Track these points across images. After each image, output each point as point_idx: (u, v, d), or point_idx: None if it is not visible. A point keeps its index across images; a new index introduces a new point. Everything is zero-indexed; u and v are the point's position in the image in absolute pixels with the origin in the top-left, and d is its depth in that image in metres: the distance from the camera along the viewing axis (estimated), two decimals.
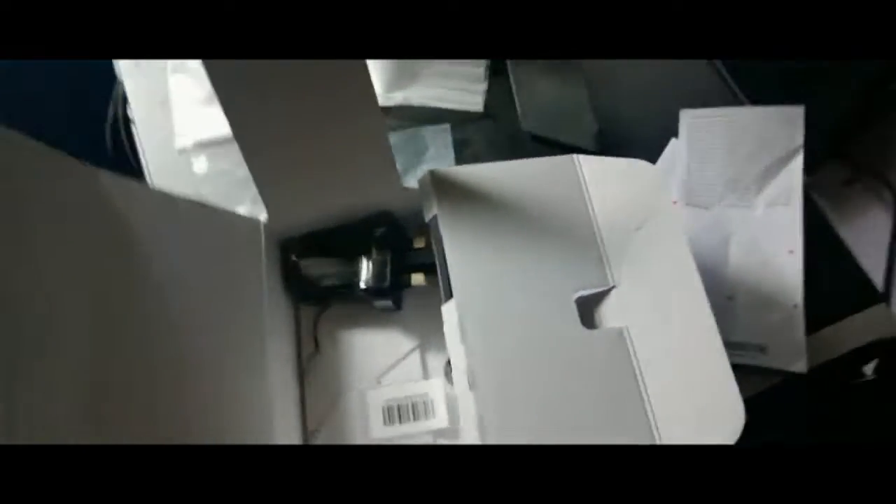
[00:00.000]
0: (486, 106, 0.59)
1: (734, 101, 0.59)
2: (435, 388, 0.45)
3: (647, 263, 0.41)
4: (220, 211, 0.44)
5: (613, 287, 0.41)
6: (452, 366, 0.40)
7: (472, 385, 0.38)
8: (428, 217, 0.44)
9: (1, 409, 0.26)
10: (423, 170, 0.56)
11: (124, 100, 0.66)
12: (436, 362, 0.47)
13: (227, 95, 0.38)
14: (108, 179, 0.38)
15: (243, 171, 0.54)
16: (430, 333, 0.47)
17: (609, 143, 0.57)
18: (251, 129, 0.39)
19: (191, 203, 0.42)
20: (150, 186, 0.41)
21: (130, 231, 0.38)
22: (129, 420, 0.34)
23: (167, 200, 0.41)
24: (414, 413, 0.44)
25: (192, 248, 0.41)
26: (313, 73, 0.38)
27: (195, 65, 0.61)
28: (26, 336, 0.29)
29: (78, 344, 0.32)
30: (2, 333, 0.28)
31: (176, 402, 0.37)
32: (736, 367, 0.37)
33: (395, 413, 0.44)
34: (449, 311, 0.40)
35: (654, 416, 0.37)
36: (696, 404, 0.38)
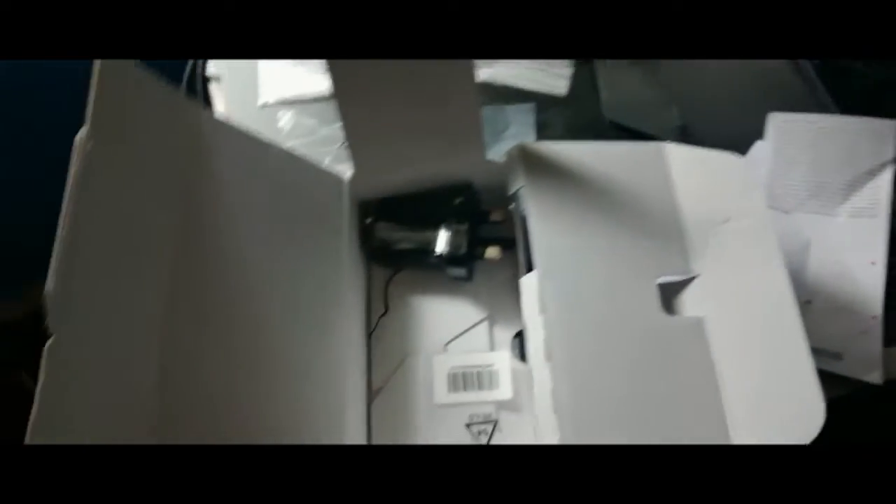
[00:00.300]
0: (569, 90, 0.59)
1: (822, 108, 0.58)
2: (501, 360, 0.45)
3: (732, 257, 0.41)
4: (308, 163, 0.45)
5: (695, 277, 0.41)
6: (528, 338, 0.40)
7: (548, 356, 0.38)
8: (512, 189, 0.44)
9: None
10: (502, 146, 0.56)
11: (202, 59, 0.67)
12: (503, 336, 0.47)
13: (336, 71, 0.38)
14: (208, 118, 0.39)
15: (326, 129, 0.55)
16: (499, 307, 0.47)
17: (691, 140, 0.56)
18: (351, 87, 0.40)
19: (282, 152, 0.43)
20: (245, 129, 0.41)
21: (221, 170, 0.39)
22: (202, 362, 0.34)
23: (261, 147, 0.42)
24: (479, 382, 0.44)
25: (278, 195, 0.42)
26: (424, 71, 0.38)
27: None
28: (110, 263, 0.30)
29: (159, 273, 0.33)
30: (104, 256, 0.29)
31: (250, 344, 0.37)
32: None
33: (459, 380, 0.45)
34: (529, 282, 0.40)
35: (729, 406, 0.37)
36: (772, 396, 0.37)
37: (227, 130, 0.41)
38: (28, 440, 0.24)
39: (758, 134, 0.56)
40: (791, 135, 0.55)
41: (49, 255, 0.26)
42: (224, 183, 0.39)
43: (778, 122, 0.55)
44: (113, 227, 0.31)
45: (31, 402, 0.25)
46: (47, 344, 0.25)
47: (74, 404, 0.26)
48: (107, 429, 0.28)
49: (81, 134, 0.29)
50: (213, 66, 0.65)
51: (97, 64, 0.31)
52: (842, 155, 0.53)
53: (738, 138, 0.56)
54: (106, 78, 0.31)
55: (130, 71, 0.34)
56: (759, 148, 0.55)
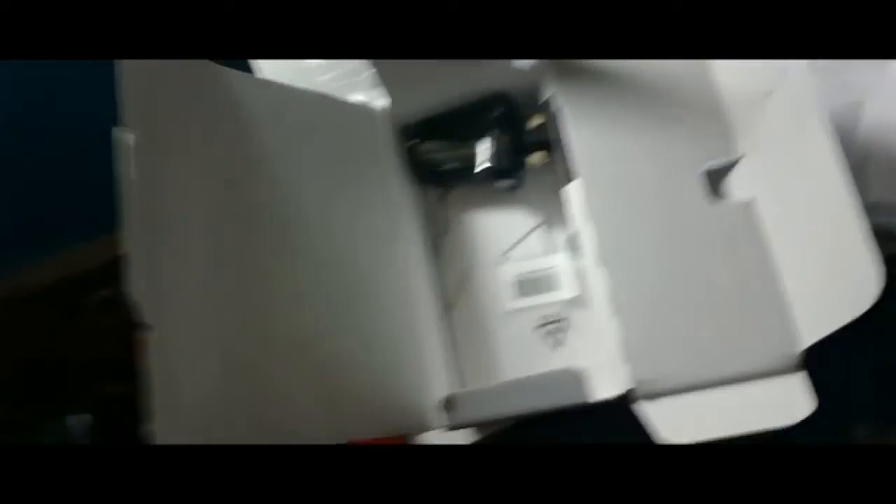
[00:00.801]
0: None
1: None
2: (561, 262, 0.47)
3: (778, 130, 0.40)
4: (342, 102, 0.46)
5: (741, 156, 0.41)
6: (581, 244, 0.42)
7: (601, 261, 0.39)
8: (544, 96, 0.44)
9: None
10: None
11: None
12: (560, 237, 0.48)
13: None
14: (231, 77, 0.40)
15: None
16: (551, 210, 0.49)
17: None
18: None
19: (315, 95, 0.44)
20: (275, 82, 0.42)
21: (258, 127, 0.40)
22: (268, 304, 0.37)
23: (293, 95, 0.43)
24: (544, 285, 0.47)
25: (318, 139, 0.43)
26: None
27: None
28: (175, 248, 0.33)
29: (208, 241, 0.35)
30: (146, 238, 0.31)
31: (316, 294, 0.40)
32: (873, 229, 0.36)
33: (525, 286, 0.47)
34: (574, 190, 0.41)
35: (785, 283, 0.38)
36: (828, 268, 0.38)
37: (256, 85, 0.42)
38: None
39: None
40: None
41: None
42: (267, 138, 0.40)
43: None
44: (169, 212, 0.33)
45: None
46: (149, 336, 0.29)
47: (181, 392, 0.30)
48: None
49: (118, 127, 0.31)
50: None
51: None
52: None
53: None
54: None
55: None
56: None
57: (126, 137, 0.31)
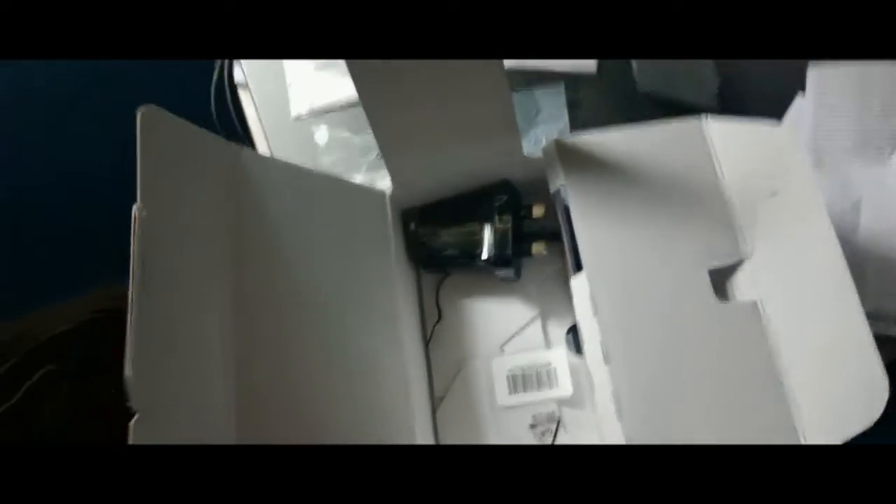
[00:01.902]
0: (599, 66, 0.58)
1: None
2: (558, 357, 0.46)
3: (782, 232, 0.40)
4: (349, 184, 0.46)
5: (746, 257, 0.40)
6: (584, 339, 0.41)
7: (606, 359, 0.38)
8: (553, 188, 0.44)
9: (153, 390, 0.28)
10: (535, 133, 0.56)
11: (230, 63, 0.67)
12: (557, 331, 0.47)
13: (357, 66, 0.38)
14: (248, 157, 0.40)
15: (360, 138, 0.55)
16: (550, 302, 0.48)
17: (730, 101, 0.55)
18: (380, 97, 0.39)
19: (323, 177, 0.44)
20: (284, 161, 0.42)
21: (268, 206, 0.40)
22: (273, 391, 0.36)
23: (302, 175, 0.42)
24: (538, 381, 0.45)
25: (325, 220, 0.43)
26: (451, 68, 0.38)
27: None
28: (179, 330, 0.31)
29: (222, 322, 0.34)
30: (159, 320, 0.30)
31: (318, 370, 0.39)
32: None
33: (519, 381, 0.45)
34: (580, 284, 0.41)
35: (792, 392, 0.37)
36: (836, 379, 0.37)
37: (268, 165, 0.41)
38: None
39: (799, 85, 0.54)
40: (832, 83, 0.53)
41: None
42: (272, 217, 0.40)
43: (818, 73, 0.53)
44: (178, 292, 0.32)
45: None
46: (132, 422, 0.27)
47: None
48: None
49: (136, 205, 0.30)
50: (240, 73, 0.65)
51: (138, 119, 0.32)
52: (888, 101, 0.51)
53: (779, 92, 0.55)
54: (147, 136, 0.32)
55: (170, 122, 0.34)
56: (800, 101, 0.54)
57: (140, 214, 0.30)
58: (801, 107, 0.54)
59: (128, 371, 0.27)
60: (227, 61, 0.66)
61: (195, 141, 0.37)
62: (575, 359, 0.46)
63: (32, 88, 0.95)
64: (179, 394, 0.30)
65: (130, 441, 0.27)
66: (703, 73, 0.56)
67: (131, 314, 0.28)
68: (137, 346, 0.28)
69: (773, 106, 0.54)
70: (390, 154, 0.43)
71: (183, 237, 0.33)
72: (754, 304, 0.39)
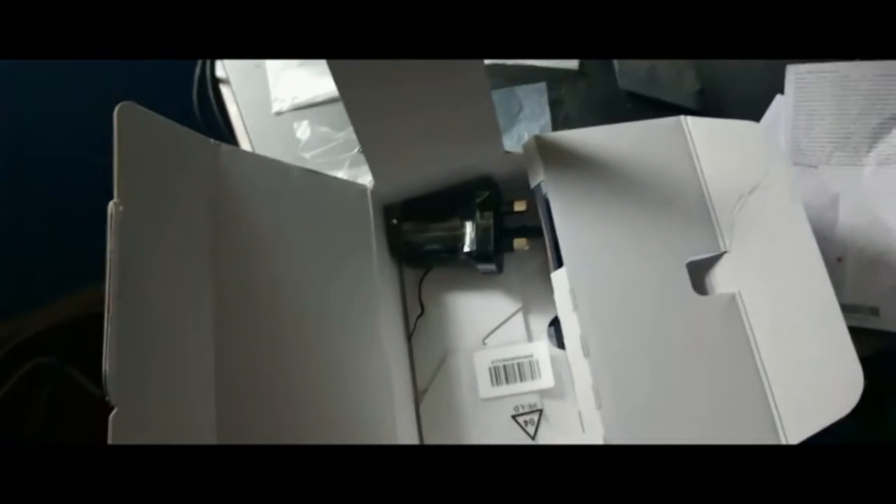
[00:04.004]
0: (581, 64, 0.58)
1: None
2: (540, 350, 0.46)
3: (760, 228, 0.41)
4: (330, 179, 0.45)
5: (725, 252, 0.41)
6: (564, 333, 0.41)
7: (586, 353, 0.38)
8: (533, 183, 0.44)
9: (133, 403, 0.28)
10: (517, 129, 0.56)
11: (212, 60, 0.67)
12: (538, 324, 0.48)
13: (341, 75, 0.38)
14: (227, 153, 0.39)
15: (342, 134, 0.55)
16: (532, 296, 0.48)
17: (710, 102, 0.56)
18: (361, 96, 0.40)
19: (303, 171, 0.44)
20: (264, 156, 0.42)
21: (248, 202, 0.40)
22: (253, 386, 0.36)
23: (282, 170, 0.42)
24: (520, 374, 0.46)
25: (305, 215, 0.43)
26: (434, 69, 0.38)
27: None
28: (157, 326, 0.31)
29: (203, 320, 0.34)
30: (138, 326, 0.30)
31: (299, 365, 0.39)
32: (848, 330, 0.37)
33: (501, 373, 0.46)
34: (560, 279, 0.41)
35: (769, 382, 0.38)
36: (812, 369, 0.38)
37: (247, 160, 0.41)
38: None
39: (778, 88, 0.55)
40: (811, 86, 0.54)
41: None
42: (252, 213, 0.40)
43: (796, 74, 0.54)
44: (157, 288, 0.32)
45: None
46: (111, 416, 0.27)
47: None
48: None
49: (112, 201, 0.30)
50: (222, 69, 0.65)
51: (115, 116, 0.32)
52: (865, 102, 0.52)
53: (758, 94, 0.56)
54: (125, 132, 0.32)
55: (147, 119, 0.34)
56: (779, 102, 0.54)
57: (117, 210, 0.30)
58: (779, 107, 0.54)
59: (105, 366, 0.27)
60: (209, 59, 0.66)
61: (173, 137, 0.36)
62: (557, 351, 0.46)
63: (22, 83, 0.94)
64: (158, 389, 0.30)
65: (109, 435, 0.27)
66: (683, 73, 0.56)
67: (108, 310, 0.28)
68: (115, 341, 0.28)
69: (751, 106, 0.55)
70: (372, 151, 0.43)
71: (161, 234, 0.33)
72: (732, 298, 0.40)
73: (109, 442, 0.27)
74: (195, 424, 0.32)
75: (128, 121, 0.32)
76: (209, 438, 0.32)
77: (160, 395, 0.30)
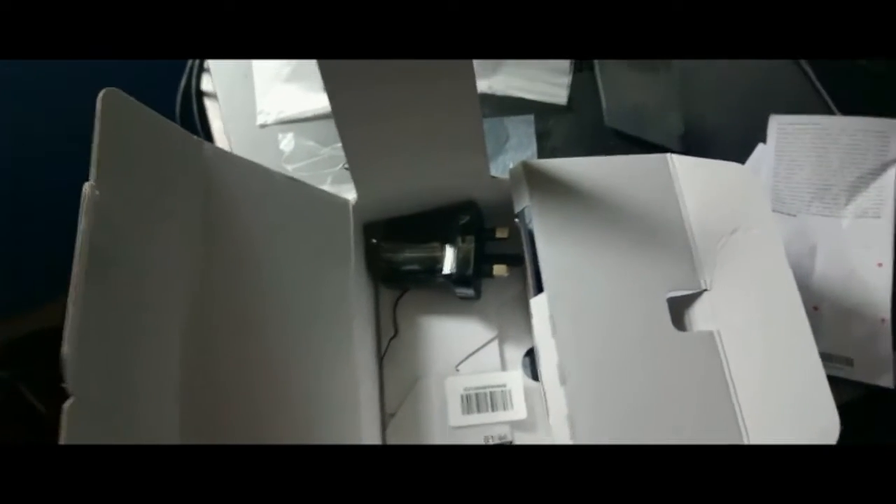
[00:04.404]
0: (569, 99, 0.59)
1: (824, 109, 0.58)
2: (513, 380, 0.45)
3: (741, 268, 0.41)
4: (313, 188, 0.45)
5: (705, 290, 0.41)
6: (541, 360, 0.40)
7: (562, 380, 0.37)
8: (518, 208, 0.44)
9: (99, 403, 0.27)
10: (504, 159, 0.56)
11: (199, 71, 0.66)
12: (513, 354, 0.47)
13: (331, 76, 0.38)
14: (210, 150, 0.39)
15: (327, 150, 0.55)
16: (508, 324, 0.47)
17: (693, 145, 0.56)
18: (351, 110, 0.39)
19: (286, 179, 0.43)
20: (247, 159, 0.41)
21: (229, 203, 0.39)
22: (221, 396, 0.34)
23: (265, 175, 0.42)
24: (492, 403, 0.44)
25: (286, 223, 0.42)
26: (420, 72, 0.37)
27: None
28: (125, 315, 0.30)
29: (174, 314, 0.33)
30: (112, 315, 0.28)
31: (266, 371, 0.37)
32: None
33: (473, 402, 0.44)
34: (539, 304, 0.40)
35: (744, 421, 0.37)
36: (789, 413, 0.37)
37: (231, 161, 0.40)
38: None
39: (760, 136, 0.56)
40: (793, 136, 0.55)
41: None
42: (231, 214, 0.39)
43: (779, 125, 0.55)
44: (126, 278, 0.30)
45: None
46: (66, 404, 0.25)
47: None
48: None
49: (88, 183, 0.29)
50: (209, 83, 0.65)
51: (99, 101, 0.31)
52: (844, 156, 0.53)
53: (741, 141, 0.56)
54: (108, 117, 0.31)
55: (131, 107, 0.33)
56: (761, 150, 0.55)
57: (92, 192, 0.29)
58: (761, 156, 0.55)
59: (65, 349, 0.25)
60: (196, 69, 0.66)
61: (157, 128, 0.35)
62: (530, 383, 0.45)
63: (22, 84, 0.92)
64: (119, 380, 0.29)
65: (63, 425, 0.25)
66: (668, 115, 0.57)
67: (73, 292, 0.27)
68: (77, 325, 0.26)
69: (733, 152, 0.55)
70: (357, 162, 0.42)
71: (137, 222, 0.32)
72: (711, 335, 0.39)
73: (63, 432, 0.25)
74: (156, 423, 0.30)
75: (111, 106, 0.31)
76: (171, 436, 0.30)
77: (121, 388, 0.28)
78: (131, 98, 0.33)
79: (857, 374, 0.47)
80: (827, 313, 0.49)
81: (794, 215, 0.53)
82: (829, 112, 0.57)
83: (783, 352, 0.38)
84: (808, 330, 0.38)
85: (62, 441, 0.25)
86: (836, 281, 0.50)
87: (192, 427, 0.31)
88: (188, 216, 0.35)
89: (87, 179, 0.30)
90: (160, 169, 0.35)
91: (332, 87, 0.38)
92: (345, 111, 0.39)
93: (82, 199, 0.28)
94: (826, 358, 0.47)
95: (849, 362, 0.48)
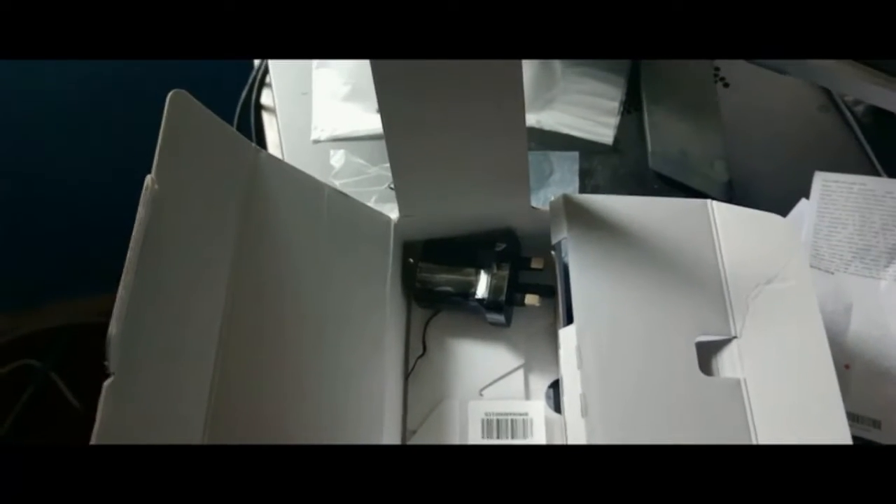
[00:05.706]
0: (615, 140, 0.59)
1: (870, 169, 0.58)
2: (536, 410, 0.45)
3: (773, 319, 0.41)
4: (358, 203, 0.46)
5: (735, 337, 0.41)
6: (564, 391, 0.41)
7: (584, 412, 0.38)
8: (555, 240, 0.45)
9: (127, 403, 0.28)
10: (545, 192, 0.57)
11: (259, 85, 0.69)
12: (538, 384, 0.47)
13: (386, 92, 0.39)
14: (266, 159, 0.40)
15: (375, 169, 0.56)
16: (535, 355, 0.48)
17: (737, 195, 0.56)
18: (400, 118, 0.40)
19: (334, 191, 0.44)
20: (300, 170, 0.42)
21: (278, 208, 0.40)
22: (248, 395, 0.35)
23: (315, 186, 0.43)
24: (512, 430, 0.45)
25: (330, 233, 0.43)
26: (471, 81, 0.39)
27: (339, 61, 0.64)
28: (169, 306, 0.31)
29: (214, 311, 0.34)
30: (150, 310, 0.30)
31: (295, 376, 0.38)
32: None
33: (493, 427, 0.45)
34: (568, 335, 0.41)
35: None
36: None
37: (284, 169, 0.42)
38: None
39: (803, 191, 0.56)
40: (836, 195, 0.55)
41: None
42: (278, 220, 0.40)
43: (823, 181, 0.55)
44: (174, 269, 0.32)
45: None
46: (107, 383, 0.26)
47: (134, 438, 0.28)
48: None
49: (149, 176, 0.31)
50: (268, 97, 0.67)
51: (168, 99, 0.33)
52: (888, 217, 0.53)
53: (784, 195, 0.56)
54: (173, 116, 0.33)
55: (196, 109, 0.35)
56: (803, 205, 0.55)
57: (152, 185, 0.30)
58: (803, 211, 0.55)
59: (112, 329, 0.27)
60: (258, 83, 0.68)
61: (218, 132, 0.37)
62: (553, 414, 0.45)
63: (45, 90, 0.96)
64: (157, 370, 0.30)
65: (100, 402, 0.27)
66: (714, 163, 0.57)
67: (126, 276, 0.28)
68: (125, 308, 0.28)
69: (776, 205, 0.55)
70: (401, 175, 0.44)
71: (189, 219, 0.34)
72: (737, 383, 0.39)
73: (99, 410, 0.26)
74: (185, 413, 0.31)
75: (177, 106, 0.33)
76: (195, 430, 0.32)
77: (158, 374, 0.30)
78: (197, 101, 0.35)
79: (884, 437, 0.46)
80: (857, 373, 0.49)
81: (832, 273, 0.52)
82: (875, 172, 0.57)
83: (809, 407, 0.38)
84: (836, 387, 0.38)
85: (98, 417, 0.26)
86: (870, 342, 0.49)
87: (216, 422, 0.32)
88: (239, 217, 0.37)
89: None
90: (217, 169, 0.37)
91: (382, 90, 0.39)
92: (393, 119, 0.40)
93: (143, 189, 0.30)
94: (853, 418, 0.47)
95: (876, 424, 0.47)
